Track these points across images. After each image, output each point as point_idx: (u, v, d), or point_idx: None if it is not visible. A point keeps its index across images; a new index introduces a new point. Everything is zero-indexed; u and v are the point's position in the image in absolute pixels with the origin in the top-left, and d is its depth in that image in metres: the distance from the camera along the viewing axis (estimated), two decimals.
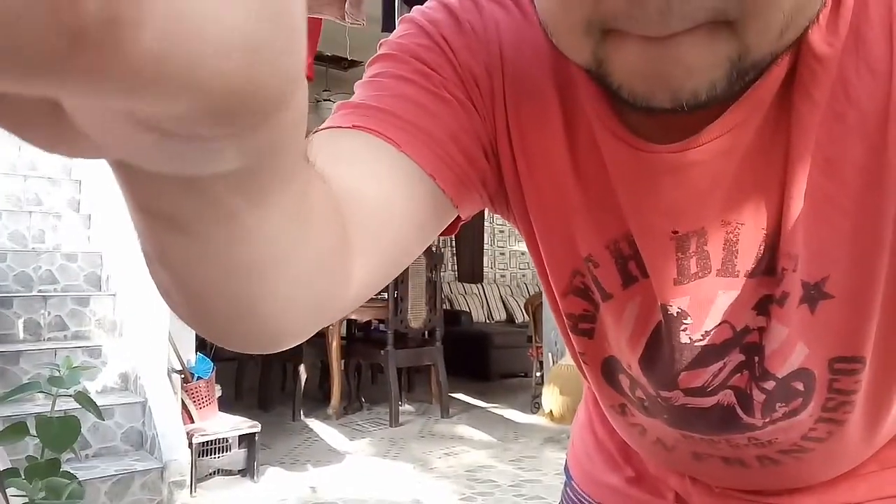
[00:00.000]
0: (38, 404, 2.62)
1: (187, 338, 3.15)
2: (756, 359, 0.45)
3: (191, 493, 2.78)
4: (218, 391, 3.23)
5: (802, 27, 0.34)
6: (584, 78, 0.43)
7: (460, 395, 5.07)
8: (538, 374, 4.60)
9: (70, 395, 1.60)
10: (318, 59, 4.66)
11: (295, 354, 4.34)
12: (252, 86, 0.13)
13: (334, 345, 4.26)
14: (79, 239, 3.70)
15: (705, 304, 0.45)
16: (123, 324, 3.23)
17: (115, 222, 3.44)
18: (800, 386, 0.45)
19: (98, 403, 1.65)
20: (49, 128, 0.14)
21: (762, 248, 0.42)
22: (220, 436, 3.02)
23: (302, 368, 4.30)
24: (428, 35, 0.46)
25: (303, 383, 4.33)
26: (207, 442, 2.97)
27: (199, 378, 3.12)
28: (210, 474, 3.02)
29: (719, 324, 0.45)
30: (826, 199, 0.39)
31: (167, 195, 0.20)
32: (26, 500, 1.30)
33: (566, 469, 0.71)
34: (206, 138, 0.14)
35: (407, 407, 4.67)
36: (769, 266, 0.42)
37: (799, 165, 0.40)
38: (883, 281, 0.40)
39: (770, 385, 0.46)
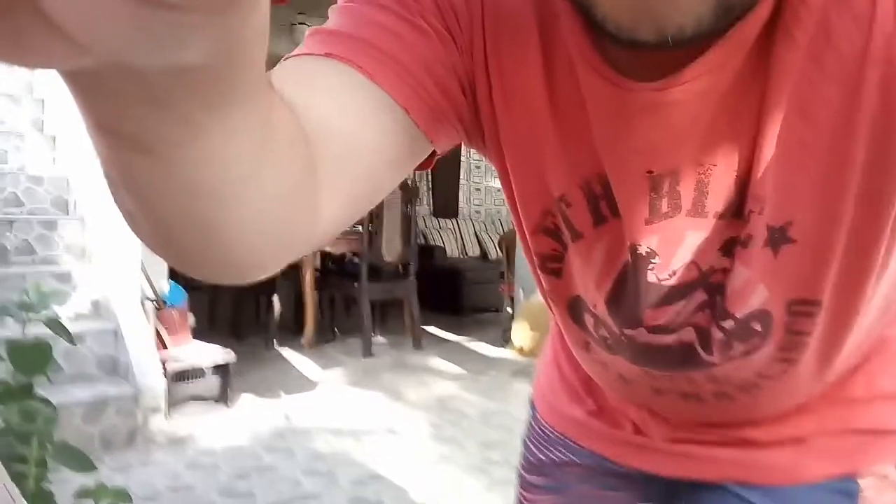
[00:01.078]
0: (9, 329, 2.59)
1: (160, 266, 3.13)
2: (718, 298, 0.47)
3: (165, 418, 2.82)
4: (192, 320, 3.24)
5: None
6: (567, 11, 0.43)
7: (432, 329, 5.16)
8: (509, 309, 4.68)
9: (41, 321, 1.59)
10: None
11: (269, 285, 4.34)
12: None
13: (308, 276, 4.27)
14: (44, 161, 3.58)
15: (674, 244, 0.45)
16: (93, 249, 3.18)
17: (81, 144, 3.33)
18: (758, 326, 0.47)
19: (69, 330, 1.64)
20: (11, 24, 0.14)
21: (732, 190, 0.43)
22: (194, 364, 3.04)
23: (276, 299, 4.32)
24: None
25: (277, 314, 4.35)
26: (182, 370, 3.00)
27: (171, 306, 3.12)
28: (184, 400, 3.06)
29: (686, 263, 0.46)
30: (798, 144, 0.40)
31: (131, 112, 0.19)
32: (1, 424, 1.31)
33: (531, 402, 0.74)
34: (180, 7, 0.14)
35: (380, 339, 4.74)
36: (737, 208, 0.43)
37: (775, 109, 0.40)
38: (845, 228, 0.42)
39: (729, 325, 0.47)
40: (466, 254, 7.07)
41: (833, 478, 0.54)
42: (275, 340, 4.37)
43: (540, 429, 0.70)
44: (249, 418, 3.00)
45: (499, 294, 5.04)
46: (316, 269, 4.42)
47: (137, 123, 0.20)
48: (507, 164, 0.49)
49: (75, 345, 1.92)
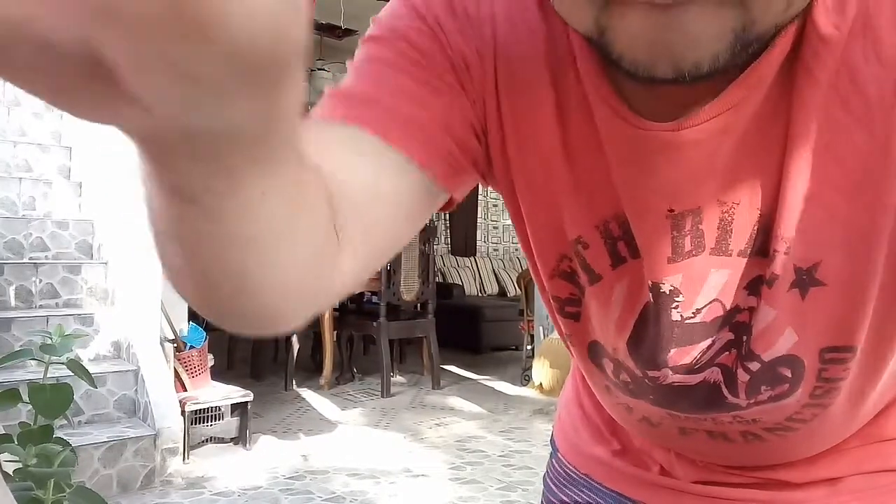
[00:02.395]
0: (31, 371, 2.62)
1: (180, 307, 3.16)
2: (744, 338, 0.46)
3: (183, 459, 2.81)
4: (210, 360, 3.25)
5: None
6: (584, 54, 0.43)
7: (451, 367, 5.12)
8: (529, 347, 4.64)
9: (62, 363, 1.61)
10: (313, 27, 4.60)
11: None
12: (272, 45, 0.16)
13: (326, 316, 4.28)
14: (70, 206, 3.67)
15: (698, 282, 0.45)
16: (115, 292, 3.23)
17: (106, 190, 3.41)
18: (787, 372, 0.46)
19: (90, 371, 1.65)
20: (90, 90, 0.16)
21: (756, 228, 0.42)
22: (213, 404, 3.04)
23: (294, 339, 4.33)
24: (421, 17, 0.46)
25: (295, 354, 4.35)
26: (200, 410, 3.00)
27: (191, 347, 3.14)
28: (202, 442, 3.05)
29: (711, 301, 0.45)
30: (824, 184, 0.39)
31: (181, 165, 0.22)
32: (19, 465, 1.32)
33: (552, 441, 0.72)
34: (228, 90, 0.17)
35: (398, 378, 4.71)
36: (762, 247, 0.42)
37: (798, 147, 0.39)
38: (879, 272, 0.40)
39: (755, 366, 0.46)
40: (485, 292, 7.05)
41: None
42: (293, 381, 4.36)
43: (562, 469, 0.69)
44: (267, 459, 2.97)
45: (518, 332, 5.00)
46: (334, 309, 4.43)
47: (186, 175, 0.22)
48: (522, 209, 0.49)
49: (96, 387, 1.93)
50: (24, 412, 2.14)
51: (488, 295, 7.00)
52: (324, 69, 5.50)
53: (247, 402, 3.11)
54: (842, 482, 0.54)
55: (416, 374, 4.86)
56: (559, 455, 0.70)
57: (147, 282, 2.96)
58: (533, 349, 4.53)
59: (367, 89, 0.43)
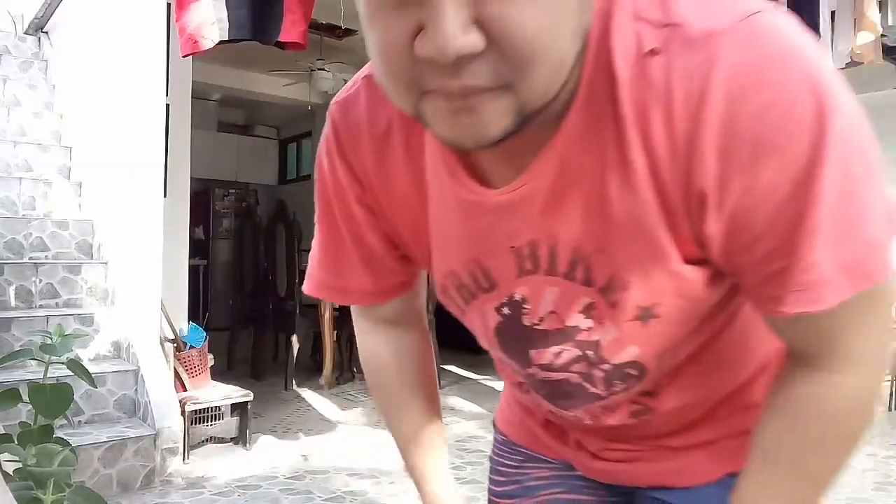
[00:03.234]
0: (31, 371, 2.63)
1: (180, 307, 3.16)
2: (588, 353, 0.57)
3: (183, 459, 2.82)
4: (210, 360, 3.25)
5: (564, 75, 0.43)
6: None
7: (451, 367, 5.12)
8: None
9: (62, 363, 1.61)
10: (313, 27, 4.57)
11: (288, 325, 4.35)
12: None
13: (327, 316, 4.27)
14: (70, 206, 3.67)
15: (537, 295, 0.56)
16: (115, 292, 3.23)
17: (106, 190, 3.41)
18: (633, 371, 0.58)
19: (90, 371, 1.65)
20: None
21: (574, 258, 0.53)
22: (213, 404, 3.04)
23: (294, 339, 4.33)
24: (339, 187, 0.62)
25: (295, 354, 4.35)
26: (200, 410, 3.00)
27: (191, 347, 3.14)
28: (202, 442, 3.05)
29: (549, 312, 0.56)
30: (632, 229, 0.48)
31: None
32: (19, 465, 1.32)
33: (494, 423, 0.84)
34: None
35: None
36: (586, 277, 0.53)
37: (601, 211, 0.49)
38: (703, 307, 0.53)
39: (606, 367, 0.58)
40: None
41: (733, 475, 0.59)
42: (293, 381, 4.36)
43: (501, 440, 0.81)
44: (267, 459, 2.98)
45: None
46: (334, 309, 4.43)
47: None
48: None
49: (96, 387, 1.93)
50: (24, 412, 2.14)
51: None
52: (324, 69, 5.50)
53: (247, 402, 3.11)
54: (717, 444, 0.64)
55: None
56: (498, 429, 0.83)
57: (147, 282, 2.96)
58: None
59: (340, 282, 0.69)
